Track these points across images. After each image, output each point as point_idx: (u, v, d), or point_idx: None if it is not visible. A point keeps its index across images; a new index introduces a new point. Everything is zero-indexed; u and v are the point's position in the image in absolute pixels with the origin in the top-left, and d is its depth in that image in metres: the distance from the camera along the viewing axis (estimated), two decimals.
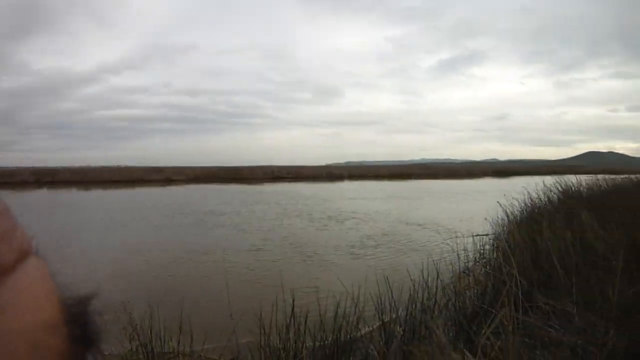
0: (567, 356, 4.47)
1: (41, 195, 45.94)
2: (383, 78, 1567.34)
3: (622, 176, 25.23)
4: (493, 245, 12.07)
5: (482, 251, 11.86)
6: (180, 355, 6.12)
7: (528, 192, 16.23)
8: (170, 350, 6.19)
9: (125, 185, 58.10)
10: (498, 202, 14.14)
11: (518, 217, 14.22)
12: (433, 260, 7.96)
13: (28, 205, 30.65)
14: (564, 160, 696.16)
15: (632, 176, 25.27)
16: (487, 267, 9.66)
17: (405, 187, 55.69)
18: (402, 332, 5.92)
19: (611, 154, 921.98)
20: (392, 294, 6.43)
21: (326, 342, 5.66)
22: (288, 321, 5.74)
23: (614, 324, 4.91)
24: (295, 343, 5.64)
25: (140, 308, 6.34)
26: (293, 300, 5.86)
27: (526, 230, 10.44)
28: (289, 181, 65.51)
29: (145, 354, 6.04)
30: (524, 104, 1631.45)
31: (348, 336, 5.70)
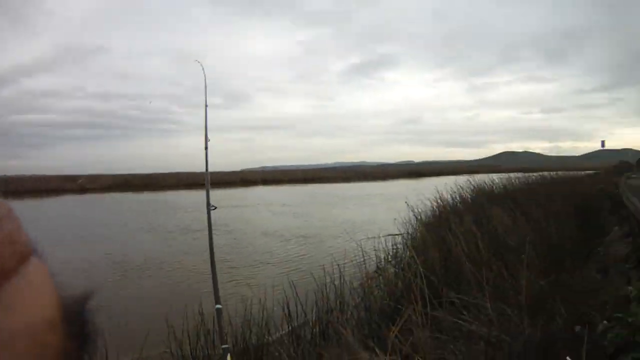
0: (482, 348, 4.54)
1: None
2: (294, 82, 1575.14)
3: (536, 174, 26.17)
4: (404, 244, 12.13)
5: (393, 251, 11.81)
6: None
7: (439, 192, 16.45)
8: None
9: (38, 195, 55.53)
10: (406, 202, 14.44)
11: (430, 216, 14.57)
12: (338, 264, 8.02)
13: None
14: (479, 160, 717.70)
15: (546, 173, 26.29)
16: (397, 266, 9.73)
17: (319, 191, 55.95)
18: (311, 335, 6.05)
19: (526, 153, 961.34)
20: (299, 298, 6.60)
21: (235, 347, 5.61)
22: (198, 327, 5.83)
23: (527, 314, 5.01)
24: (207, 348, 5.76)
25: None
26: (200, 306, 5.91)
27: (436, 229, 10.71)
28: (204, 188, 64.18)
29: None
30: (436, 107, 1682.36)
31: (258, 341, 5.76)
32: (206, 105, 5.01)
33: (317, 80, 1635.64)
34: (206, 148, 4.89)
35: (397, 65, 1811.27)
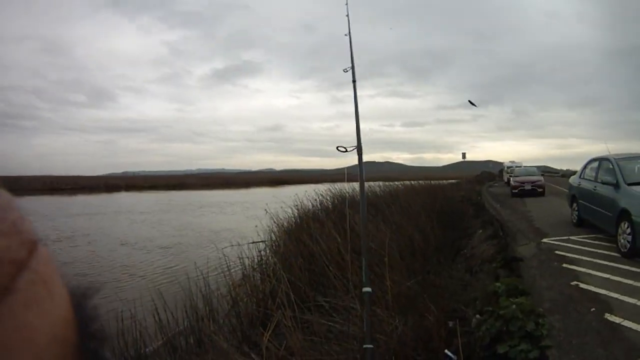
0: (357, 347, 4.63)
1: None
2: (156, 84, 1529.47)
3: (398, 182, 26.73)
4: (267, 251, 12.36)
5: (257, 258, 11.75)
6: None
7: (300, 200, 16.73)
8: None
9: None
10: (266, 210, 14.64)
11: (292, 223, 14.74)
12: (203, 273, 8.13)
13: None
14: (340, 169, 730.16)
15: (407, 182, 26.93)
16: (263, 273, 9.90)
17: (181, 198, 55.25)
18: (186, 344, 6.04)
19: (388, 163, 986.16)
20: (168, 307, 6.51)
21: None
22: None
23: (398, 313, 5.12)
24: None
25: None
26: None
27: (298, 235, 11.08)
28: (68, 193, 61.50)
29: None
30: (299, 117, 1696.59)
31: (136, 353, 5.76)
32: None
33: (180, 83, 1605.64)
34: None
35: (261, 73, 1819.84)
